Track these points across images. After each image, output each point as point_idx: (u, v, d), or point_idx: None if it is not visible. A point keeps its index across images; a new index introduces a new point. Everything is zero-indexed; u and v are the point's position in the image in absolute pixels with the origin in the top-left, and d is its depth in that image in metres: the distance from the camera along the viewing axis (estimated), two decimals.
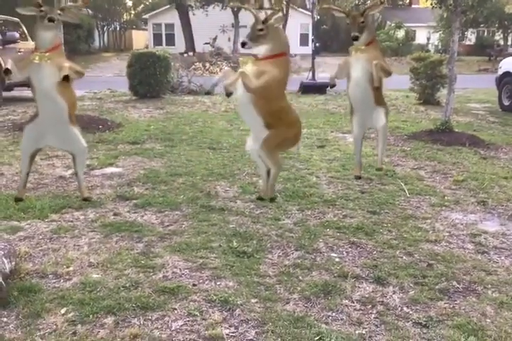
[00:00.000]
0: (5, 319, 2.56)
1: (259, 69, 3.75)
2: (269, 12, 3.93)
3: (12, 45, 10.62)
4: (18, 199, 4.34)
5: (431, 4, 7.93)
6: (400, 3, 36.86)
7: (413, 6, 39.33)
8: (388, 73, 4.79)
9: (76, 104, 4.46)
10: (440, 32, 31.12)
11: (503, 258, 3.42)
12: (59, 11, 4.19)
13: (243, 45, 3.85)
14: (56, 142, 4.39)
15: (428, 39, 34.81)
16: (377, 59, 4.66)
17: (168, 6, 34.96)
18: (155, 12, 37.91)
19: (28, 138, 4.33)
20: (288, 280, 3.03)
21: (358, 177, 5.15)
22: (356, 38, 4.64)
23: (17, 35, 11.04)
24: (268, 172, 4.17)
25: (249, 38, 3.81)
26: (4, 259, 2.85)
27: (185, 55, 27.24)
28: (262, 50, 3.82)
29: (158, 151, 6.31)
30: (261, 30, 3.77)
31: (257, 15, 3.86)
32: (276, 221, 4.03)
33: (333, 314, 2.69)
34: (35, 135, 4.29)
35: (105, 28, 40.60)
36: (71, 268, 3.10)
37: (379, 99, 4.98)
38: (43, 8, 4.09)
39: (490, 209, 4.40)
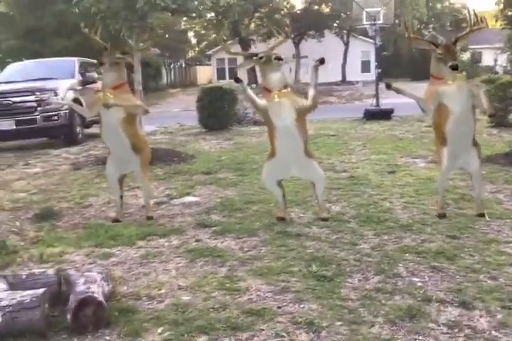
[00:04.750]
0: (108, 337, 2.76)
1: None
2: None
3: (91, 86, 11.35)
4: (115, 221, 4.86)
5: (500, 25, 7.84)
6: (464, 25, 36.33)
7: None
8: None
9: (145, 138, 5.22)
10: (508, 53, 30.17)
11: None
12: (119, 55, 4.73)
13: None
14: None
15: (495, 60, 33.88)
16: (480, 89, 4.45)
17: (231, 41, 36.22)
18: (218, 48, 39.34)
19: (111, 166, 4.94)
20: (371, 303, 3.06)
21: (443, 216, 4.64)
22: (457, 67, 4.25)
23: (96, 75, 11.78)
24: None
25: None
26: (103, 282, 3.08)
27: (249, 87, 27.97)
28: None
29: (232, 180, 6.53)
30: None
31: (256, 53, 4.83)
32: (354, 246, 4.06)
33: (420, 337, 2.68)
34: (115, 163, 4.92)
35: (172, 66, 42.54)
36: (162, 291, 3.28)
37: (474, 138, 4.70)
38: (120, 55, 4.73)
39: None
